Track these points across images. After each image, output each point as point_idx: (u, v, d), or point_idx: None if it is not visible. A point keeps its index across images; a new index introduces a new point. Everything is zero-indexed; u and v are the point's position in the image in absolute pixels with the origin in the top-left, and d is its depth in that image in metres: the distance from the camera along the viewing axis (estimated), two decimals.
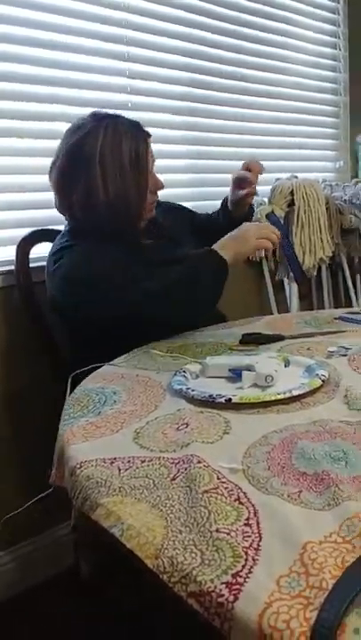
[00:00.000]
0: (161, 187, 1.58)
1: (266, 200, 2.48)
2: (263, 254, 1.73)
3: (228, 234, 1.49)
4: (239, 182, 1.72)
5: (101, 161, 1.43)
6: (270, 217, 1.90)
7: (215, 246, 1.45)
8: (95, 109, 1.54)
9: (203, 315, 1.52)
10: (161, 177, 1.60)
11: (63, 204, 1.53)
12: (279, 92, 2.86)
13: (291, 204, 1.92)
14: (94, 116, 1.50)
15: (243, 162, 1.74)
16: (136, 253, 1.50)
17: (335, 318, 1.54)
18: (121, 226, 1.48)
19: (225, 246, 1.44)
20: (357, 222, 2.85)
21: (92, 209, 1.46)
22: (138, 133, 1.49)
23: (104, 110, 1.54)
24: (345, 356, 1.19)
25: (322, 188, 2.55)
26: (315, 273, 2.82)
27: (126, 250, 1.46)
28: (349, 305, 2.95)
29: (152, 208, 1.60)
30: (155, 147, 1.58)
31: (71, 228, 1.56)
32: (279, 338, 1.35)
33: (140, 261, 1.46)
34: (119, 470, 0.74)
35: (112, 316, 1.36)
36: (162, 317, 1.38)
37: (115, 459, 0.78)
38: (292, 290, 2.47)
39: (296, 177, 2.81)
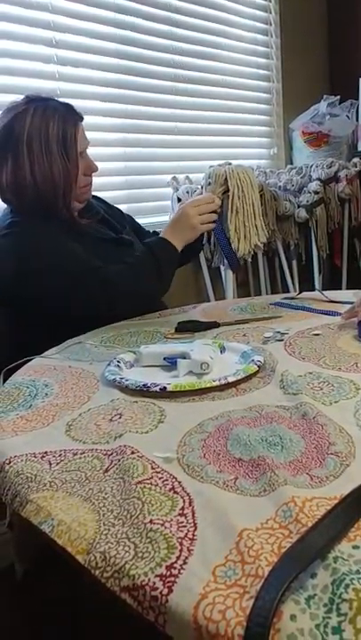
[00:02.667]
0: (95, 169, 1.58)
1: (200, 188, 2.46)
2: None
3: (172, 219, 1.56)
4: None
5: (28, 142, 1.42)
6: None
7: (166, 235, 1.52)
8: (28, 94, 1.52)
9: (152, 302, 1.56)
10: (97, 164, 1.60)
11: None
12: (212, 79, 2.85)
13: (226, 190, 1.91)
14: (27, 98, 1.49)
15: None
16: (75, 231, 1.52)
17: (271, 304, 1.54)
18: (49, 208, 1.47)
19: (174, 236, 1.52)
20: (292, 209, 2.88)
21: (20, 191, 1.45)
22: (67, 115, 1.48)
23: (38, 94, 1.52)
24: (281, 341, 1.19)
25: (256, 175, 2.56)
26: (250, 259, 2.83)
27: (64, 229, 1.48)
28: (286, 291, 2.99)
29: (87, 191, 1.59)
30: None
31: (10, 210, 1.54)
32: (215, 325, 1.34)
33: (85, 243, 1.50)
34: (50, 464, 0.72)
35: (72, 305, 1.41)
36: (126, 297, 1.44)
37: (46, 453, 0.75)
38: (228, 277, 2.48)
39: (230, 163, 2.82)
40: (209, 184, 1.89)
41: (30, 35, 2.04)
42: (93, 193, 1.68)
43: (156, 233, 1.85)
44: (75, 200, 1.54)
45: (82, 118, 1.53)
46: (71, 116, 1.49)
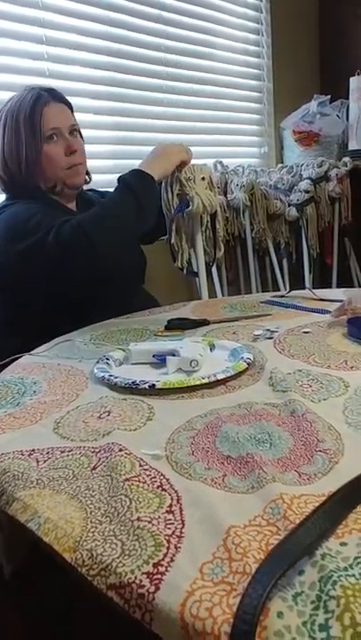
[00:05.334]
0: (74, 149, 1.57)
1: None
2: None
3: (150, 153, 1.57)
4: None
5: (4, 119, 1.52)
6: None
7: (141, 166, 1.51)
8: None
9: (142, 228, 1.48)
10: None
11: None
12: (203, 78, 2.85)
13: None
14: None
15: None
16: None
17: (261, 302, 1.54)
18: (17, 182, 1.54)
19: (150, 166, 1.50)
20: (283, 207, 2.88)
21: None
22: (43, 94, 1.53)
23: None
24: (271, 338, 1.19)
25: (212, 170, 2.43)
26: (240, 259, 2.82)
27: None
28: (277, 289, 2.99)
29: (75, 174, 1.60)
30: None
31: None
32: (205, 322, 1.34)
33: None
34: (37, 462, 0.71)
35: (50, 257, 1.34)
36: (106, 235, 1.34)
37: (33, 450, 0.75)
38: (202, 280, 2.41)
39: (221, 162, 2.82)
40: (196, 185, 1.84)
41: (20, 31, 2.04)
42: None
43: None
44: (61, 182, 1.58)
45: (62, 100, 1.59)
46: (47, 96, 1.53)
